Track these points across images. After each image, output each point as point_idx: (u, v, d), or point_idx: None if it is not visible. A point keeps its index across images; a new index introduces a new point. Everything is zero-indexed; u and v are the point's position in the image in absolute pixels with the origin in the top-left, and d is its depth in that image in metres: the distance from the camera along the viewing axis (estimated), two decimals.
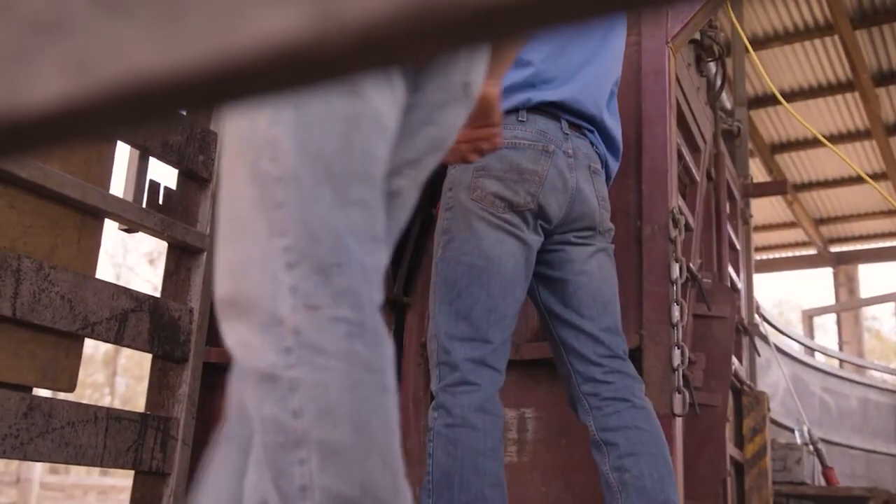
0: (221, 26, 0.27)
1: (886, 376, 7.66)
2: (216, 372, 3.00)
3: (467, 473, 1.89)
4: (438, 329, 2.03)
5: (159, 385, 2.72)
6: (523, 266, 2.08)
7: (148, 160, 2.76)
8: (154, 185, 2.83)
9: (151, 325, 2.67)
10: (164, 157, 2.81)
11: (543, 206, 2.06)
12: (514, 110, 2.09)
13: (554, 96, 2.11)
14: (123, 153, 3.14)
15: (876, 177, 9.65)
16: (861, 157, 9.44)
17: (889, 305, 7.91)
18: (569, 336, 2.15)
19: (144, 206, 2.75)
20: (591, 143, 2.19)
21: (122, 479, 14.31)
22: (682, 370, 2.36)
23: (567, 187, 2.09)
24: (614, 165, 2.28)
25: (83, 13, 0.30)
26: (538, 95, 2.10)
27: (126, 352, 20.19)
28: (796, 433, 5.32)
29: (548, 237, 2.13)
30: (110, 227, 2.62)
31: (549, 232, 2.12)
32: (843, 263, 11.71)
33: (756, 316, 4.88)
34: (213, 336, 2.99)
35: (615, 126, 2.27)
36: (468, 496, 1.88)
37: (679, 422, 2.40)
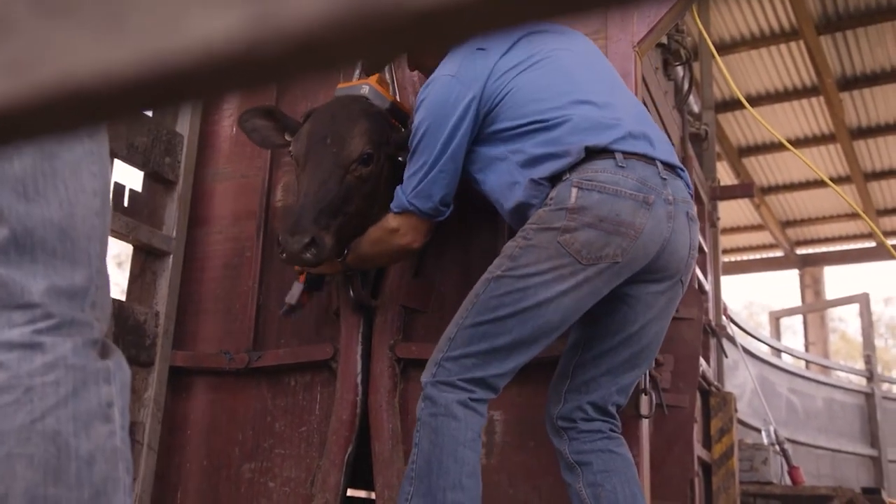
0: (160, 30, 0.27)
1: (852, 377, 7.78)
2: (182, 376, 2.98)
3: (447, 461, 1.93)
4: (457, 338, 2.01)
5: None
6: (574, 316, 2.03)
7: (113, 162, 2.73)
8: (119, 188, 2.80)
9: (116, 328, 2.64)
10: (129, 160, 2.78)
11: (632, 260, 1.97)
12: (608, 154, 2.00)
13: (631, 132, 2.04)
14: None
15: (840, 180, 9.80)
16: (826, 160, 9.57)
17: (854, 307, 8.01)
18: (580, 377, 2.13)
19: None
20: (686, 184, 2.14)
21: None
22: (650, 371, 2.38)
23: (661, 240, 2.00)
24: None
25: (22, 15, 0.29)
26: (618, 133, 2.02)
27: None
28: (763, 433, 5.38)
29: (625, 283, 2.06)
30: None
31: (628, 282, 2.05)
32: (810, 265, 11.87)
33: (723, 317, 4.93)
34: (179, 339, 2.96)
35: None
36: (446, 482, 1.91)
37: (646, 423, 2.42)
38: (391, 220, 2.27)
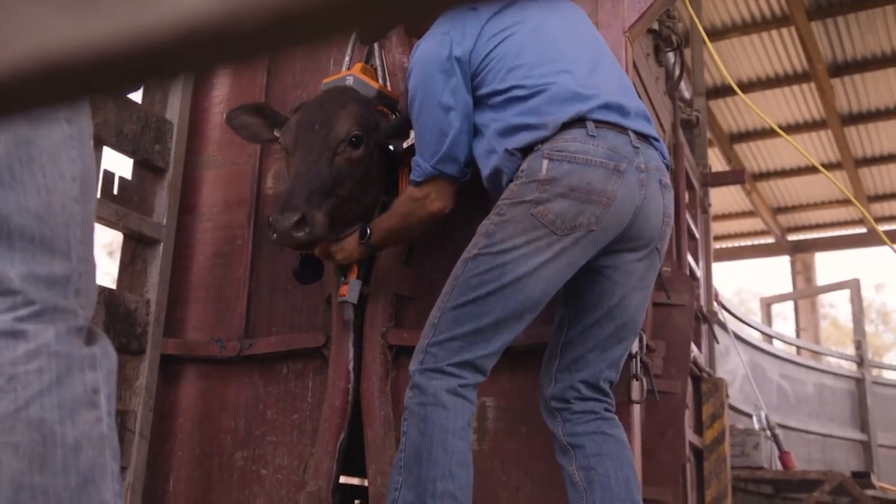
0: (136, 4, 0.27)
1: (843, 362, 7.82)
2: (174, 363, 2.97)
3: (436, 450, 1.92)
4: (441, 322, 2.01)
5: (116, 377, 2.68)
6: (554, 289, 2.03)
7: (102, 150, 2.71)
8: (108, 175, 2.79)
9: (107, 317, 2.63)
10: (118, 147, 2.77)
11: (606, 228, 1.98)
12: (579, 123, 2.01)
13: (607, 101, 2.04)
14: None
15: (831, 166, 9.82)
16: (817, 146, 9.59)
17: (845, 293, 8.05)
18: (568, 355, 2.14)
19: (99, 196, 2.71)
20: (660, 153, 2.14)
21: None
22: (640, 357, 2.39)
23: (633, 207, 2.01)
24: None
25: None
26: (593, 103, 2.03)
27: None
28: (754, 419, 5.41)
29: (599, 254, 2.06)
30: None
31: (603, 248, 2.05)
32: (801, 252, 11.91)
33: (715, 304, 4.94)
34: (170, 327, 2.96)
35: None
36: (436, 472, 1.90)
37: (637, 409, 2.43)
38: (417, 191, 2.24)
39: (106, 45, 0.27)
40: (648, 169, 2.06)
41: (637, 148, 2.05)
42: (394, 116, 2.62)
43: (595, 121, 2.02)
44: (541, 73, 2.08)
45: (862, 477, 5.32)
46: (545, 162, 1.98)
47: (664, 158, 2.16)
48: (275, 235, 2.24)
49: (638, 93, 3.03)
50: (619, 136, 2.03)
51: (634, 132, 2.06)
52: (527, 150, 2.05)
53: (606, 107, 2.05)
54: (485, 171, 2.17)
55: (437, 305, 2.06)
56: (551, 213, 1.95)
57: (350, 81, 2.58)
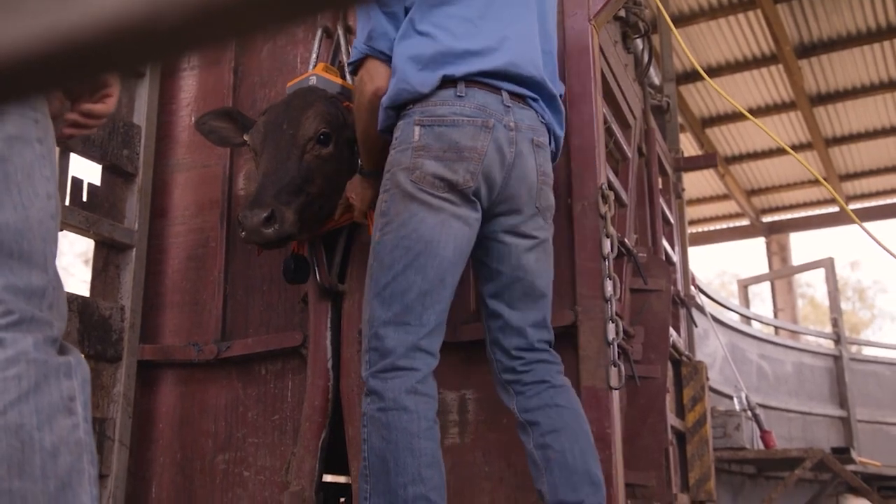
0: (60, 4, 0.26)
1: (821, 340, 7.90)
2: (151, 369, 2.95)
3: (403, 455, 1.88)
4: (372, 314, 2.00)
5: (93, 386, 2.66)
6: (464, 248, 2.06)
7: (69, 156, 2.68)
8: (77, 182, 2.75)
9: (81, 325, 2.61)
10: (85, 153, 2.74)
11: (483, 183, 2.04)
12: (450, 84, 2.05)
13: (490, 64, 2.07)
14: None
15: (802, 147, 9.91)
16: (787, 128, 9.67)
17: (820, 271, 8.12)
18: (495, 327, 2.16)
19: (68, 203, 2.68)
20: (537, 113, 2.17)
21: None
22: (618, 343, 2.39)
23: (504, 163, 2.06)
24: (561, 133, 2.26)
25: None
26: (472, 66, 2.05)
27: None
28: (735, 400, 5.45)
29: (487, 220, 2.11)
30: None
31: (487, 210, 2.09)
32: (775, 232, 12.01)
33: (692, 287, 4.97)
34: (146, 333, 2.93)
35: (557, 88, 2.25)
36: (405, 478, 1.87)
37: (616, 394, 2.43)
38: (357, 78, 2.22)
39: (30, 45, 0.27)
40: (519, 128, 2.10)
41: (508, 107, 2.09)
42: None
43: (466, 80, 2.05)
44: (454, 24, 2.09)
45: (842, 452, 5.38)
46: (417, 129, 2.03)
47: (541, 118, 2.18)
48: (244, 233, 2.23)
49: (606, 80, 3.04)
50: (489, 95, 2.07)
51: (508, 92, 2.10)
52: (399, 109, 2.09)
53: (487, 70, 2.07)
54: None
55: (364, 301, 2.06)
56: (429, 176, 1.99)
57: (314, 81, 2.60)
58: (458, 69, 2.05)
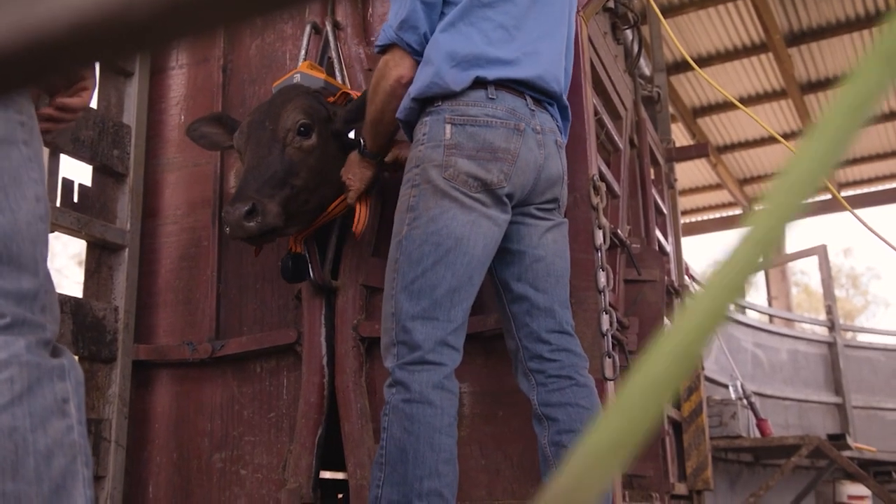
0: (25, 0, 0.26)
1: (815, 328, 7.91)
2: (146, 369, 2.94)
3: (423, 449, 1.88)
4: (399, 308, 1.99)
5: (87, 387, 2.66)
6: (491, 248, 2.07)
7: (59, 157, 2.67)
8: (68, 184, 2.74)
9: (74, 326, 2.60)
10: (76, 154, 2.73)
11: (515, 184, 2.06)
12: (481, 85, 2.07)
13: (520, 74, 2.09)
14: None
15: (793, 135, 9.91)
16: (779, 116, 9.68)
17: (814, 259, 8.14)
18: (521, 311, 2.15)
19: (59, 205, 2.67)
20: (553, 117, 2.22)
21: None
22: (612, 334, 2.40)
23: (536, 164, 2.10)
24: (564, 141, 2.30)
25: None
26: (501, 73, 2.07)
27: None
28: (730, 389, 5.46)
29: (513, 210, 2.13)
30: None
31: (514, 207, 2.12)
32: None
33: (686, 277, 4.97)
34: (140, 333, 2.93)
35: (566, 100, 2.30)
36: (422, 471, 1.87)
37: (612, 386, 2.44)
38: (380, 61, 2.21)
39: (1, 41, 0.26)
40: (544, 130, 2.14)
41: (533, 111, 2.13)
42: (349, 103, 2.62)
43: (496, 84, 2.07)
44: (490, 29, 2.10)
45: (838, 439, 5.40)
46: (448, 127, 2.03)
47: (556, 120, 2.23)
48: (227, 229, 2.23)
49: (596, 72, 3.04)
50: (517, 99, 2.10)
51: (530, 96, 2.13)
52: (426, 103, 2.09)
53: (517, 78, 2.10)
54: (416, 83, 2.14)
55: (387, 295, 2.05)
56: (462, 174, 2.00)
57: (297, 78, 2.62)
58: (490, 73, 2.07)
